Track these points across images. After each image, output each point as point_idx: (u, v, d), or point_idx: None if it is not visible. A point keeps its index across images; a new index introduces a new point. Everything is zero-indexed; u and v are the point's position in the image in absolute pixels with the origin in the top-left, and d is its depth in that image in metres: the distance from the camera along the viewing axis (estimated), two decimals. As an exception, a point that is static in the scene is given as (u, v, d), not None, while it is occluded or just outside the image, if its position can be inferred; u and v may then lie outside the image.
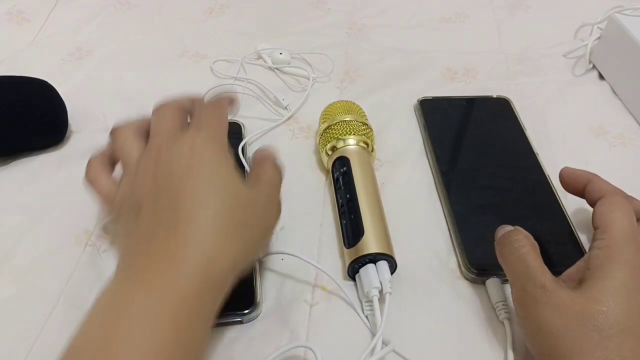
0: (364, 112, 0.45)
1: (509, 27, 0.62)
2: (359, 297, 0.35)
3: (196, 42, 0.59)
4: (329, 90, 0.53)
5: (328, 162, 0.42)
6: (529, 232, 0.32)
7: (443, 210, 0.41)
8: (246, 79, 0.54)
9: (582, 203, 0.36)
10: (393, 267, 0.35)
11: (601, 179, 0.35)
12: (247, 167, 0.43)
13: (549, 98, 0.51)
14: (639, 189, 0.35)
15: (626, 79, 0.50)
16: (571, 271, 0.31)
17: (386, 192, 0.41)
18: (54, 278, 0.36)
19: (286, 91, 0.53)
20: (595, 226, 0.31)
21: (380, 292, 0.33)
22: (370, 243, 0.34)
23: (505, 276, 0.31)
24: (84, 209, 0.40)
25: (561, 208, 0.40)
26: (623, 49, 0.50)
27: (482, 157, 0.44)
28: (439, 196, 0.42)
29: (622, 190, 0.33)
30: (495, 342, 0.33)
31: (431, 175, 0.44)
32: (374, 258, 0.34)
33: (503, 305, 0.33)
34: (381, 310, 0.32)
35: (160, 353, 0.24)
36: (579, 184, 0.36)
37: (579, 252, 0.37)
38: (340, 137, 0.41)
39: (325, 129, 0.42)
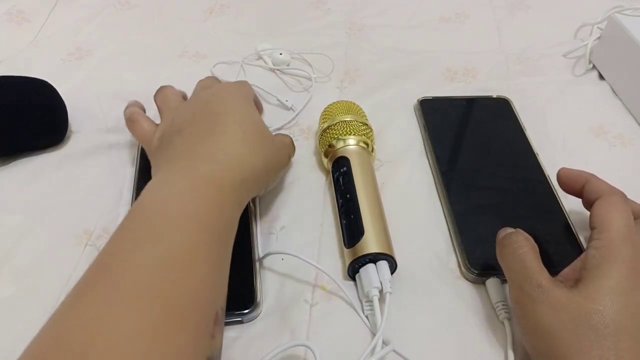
0: (364, 112, 0.45)
1: (509, 27, 0.62)
2: (359, 297, 0.35)
3: (196, 42, 0.59)
4: (329, 91, 0.53)
5: (328, 162, 0.42)
6: (528, 232, 0.32)
7: (443, 210, 0.41)
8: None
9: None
10: (393, 267, 0.35)
11: (599, 179, 0.35)
12: None
13: (549, 98, 0.51)
14: (639, 189, 0.35)
15: (626, 79, 0.50)
16: (568, 271, 0.31)
17: (386, 192, 0.41)
18: (54, 278, 0.36)
19: (287, 92, 0.53)
20: (592, 226, 0.31)
21: (381, 292, 0.33)
22: (370, 243, 0.34)
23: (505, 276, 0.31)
24: (84, 209, 0.40)
25: (561, 208, 0.40)
26: (623, 49, 0.50)
27: (482, 157, 0.44)
28: (439, 196, 0.42)
29: (619, 191, 0.33)
30: (495, 342, 0.33)
31: (431, 175, 0.44)
32: (374, 258, 0.34)
33: (503, 305, 0.33)
34: (381, 310, 0.32)
35: (203, 218, 0.29)
36: (576, 185, 0.36)
37: (578, 252, 0.36)
38: (340, 137, 0.41)
39: (325, 129, 0.42)
